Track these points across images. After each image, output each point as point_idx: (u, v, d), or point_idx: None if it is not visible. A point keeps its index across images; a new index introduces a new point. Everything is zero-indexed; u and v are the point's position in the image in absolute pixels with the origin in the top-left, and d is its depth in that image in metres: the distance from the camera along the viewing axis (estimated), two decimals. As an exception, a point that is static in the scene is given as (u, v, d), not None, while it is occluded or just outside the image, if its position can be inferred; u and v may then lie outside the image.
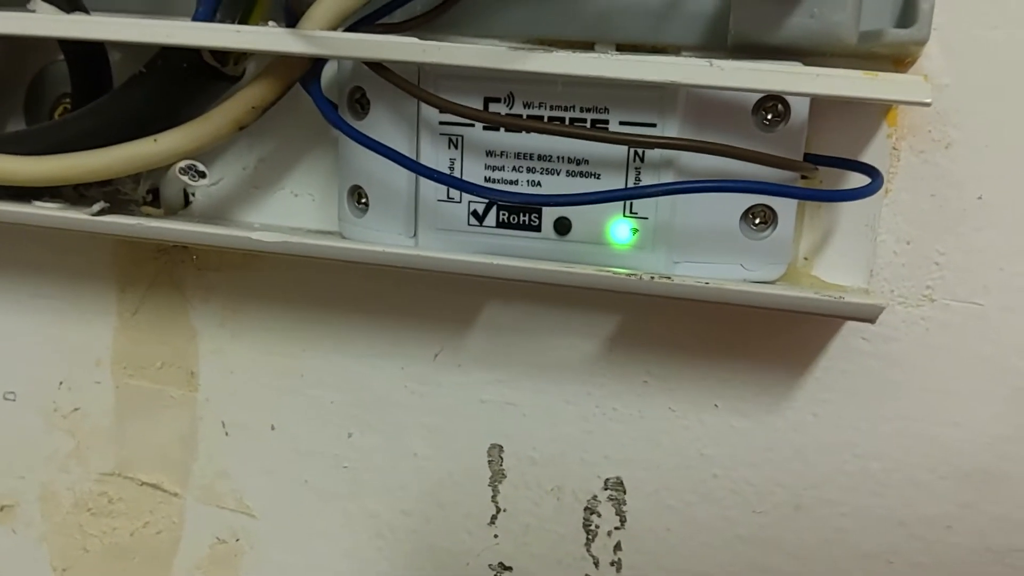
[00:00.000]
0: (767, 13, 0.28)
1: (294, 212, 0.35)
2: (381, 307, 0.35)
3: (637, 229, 0.29)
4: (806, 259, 0.31)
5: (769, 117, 0.28)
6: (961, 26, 0.29)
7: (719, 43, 0.29)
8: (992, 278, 0.30)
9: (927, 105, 0.25)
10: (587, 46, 0.30)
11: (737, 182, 0.27)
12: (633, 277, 0.28)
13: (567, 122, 0.29)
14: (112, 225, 0.32)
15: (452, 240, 0.31)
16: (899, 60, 0.29)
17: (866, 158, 0.30)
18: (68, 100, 0.35)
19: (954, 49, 0.29)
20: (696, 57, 0.28)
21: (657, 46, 0.30)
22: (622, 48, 0.30)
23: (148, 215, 0.35)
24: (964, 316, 0.30)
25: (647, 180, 0.28)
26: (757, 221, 0.29)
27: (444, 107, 0.29)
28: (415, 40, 0.28)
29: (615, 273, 0.28)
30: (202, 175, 0.31)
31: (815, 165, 0.29)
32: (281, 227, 0.35)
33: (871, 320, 0.27)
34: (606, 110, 0.28)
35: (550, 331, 0.34)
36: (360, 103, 0.31)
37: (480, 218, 0.30)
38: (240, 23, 0.31)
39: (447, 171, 0.30)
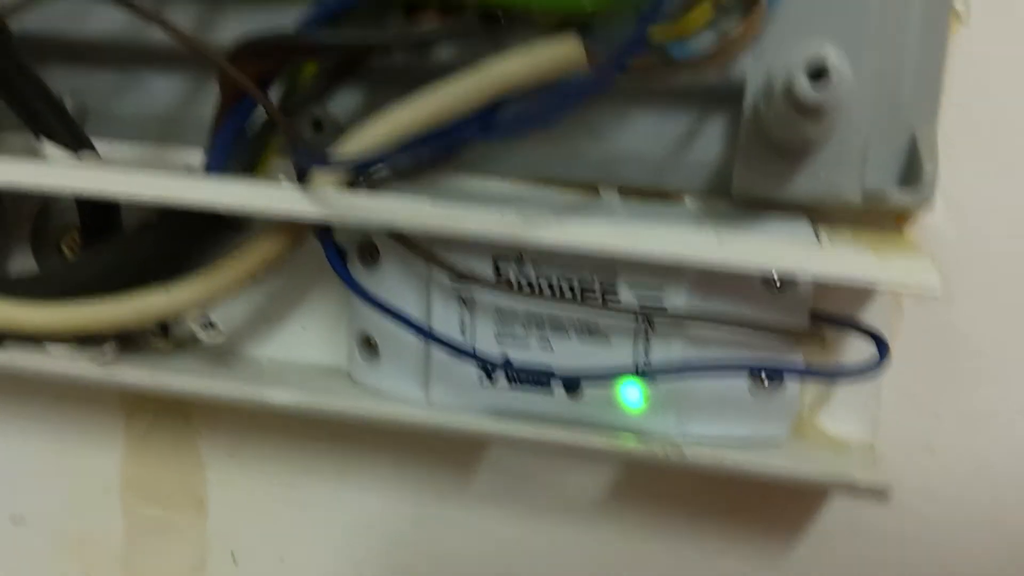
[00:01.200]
0: (771, 173, 0.29)
1: (303, 345, 0.36)
2: (390, 442, 0.35)
3: (647, 391, 0.29)
4: (811, 408, 0.31)
5: (778, 284, 0.28)
6: (964, 180, 0.29)
7: (723, 189, 0.30)
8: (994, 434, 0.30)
9: (935, 297, 0.25)
10: (591, 188, 0.31)
11: (744, 359, 0.28)
12: (645, 450, 0.28)
13: (576, 285, 0.29)
14: (123, 375, 0.32)
15: (463, 395, 0.31)
16: (902, 216, 0.30)
17: (871, 311, 0.30)
18: (76, 232, 0.36)
19: (957, 203, 0.29)
20: (699, 204, 0.30)
21: (660, 190, 0.31)
22: (624, 191, 0.31)
23: (157, 349, 0.35)
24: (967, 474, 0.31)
25: (656, 345, 0.29)
26: (765, 382, 0.29)
27: (454, 275, 0.29)
28: (427, 206, 0.28)
29: (626, 444, 0.28)
30: (219, 332, 0.31)
31: (822, 328, 0.29)
32: (291, 364, 0.35)
33: (878, 498, 0.28)
34: (615, 273, 0.29)
35: (556, 476, 0.34)
36: (371, 253, 0.31)
37: (491, 375, 0.30)
38: (249, 168, 0.32)
39: (458, 330, 0.30)
